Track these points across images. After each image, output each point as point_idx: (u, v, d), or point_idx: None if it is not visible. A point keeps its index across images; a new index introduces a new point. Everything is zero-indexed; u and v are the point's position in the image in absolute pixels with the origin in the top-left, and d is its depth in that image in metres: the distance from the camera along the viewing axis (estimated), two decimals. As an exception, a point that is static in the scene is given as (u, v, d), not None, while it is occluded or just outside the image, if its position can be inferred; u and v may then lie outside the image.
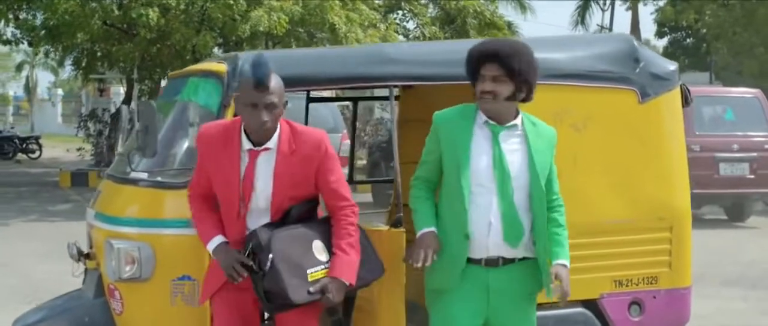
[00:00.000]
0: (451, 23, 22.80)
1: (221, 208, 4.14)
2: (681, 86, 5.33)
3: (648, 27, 63.16)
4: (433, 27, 21.91)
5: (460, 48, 4.47)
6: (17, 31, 20.87)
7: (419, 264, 4.03)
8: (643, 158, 5.23)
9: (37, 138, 33.55)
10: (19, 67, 66.81)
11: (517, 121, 4.12)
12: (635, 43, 5.33)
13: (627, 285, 5.23)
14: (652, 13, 38.02)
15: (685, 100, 5.49)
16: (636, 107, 5.09)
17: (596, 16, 54.67)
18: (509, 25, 34.21)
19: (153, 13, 15.78)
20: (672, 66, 5.36)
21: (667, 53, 42.41)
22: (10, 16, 19.16)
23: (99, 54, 21.51)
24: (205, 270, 4.34)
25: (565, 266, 4.10)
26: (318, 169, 4.10)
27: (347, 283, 4.08)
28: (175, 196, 4.66)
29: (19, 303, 8.92)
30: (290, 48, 18.57)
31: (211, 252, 4.11)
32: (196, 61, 19.55)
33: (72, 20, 16.85)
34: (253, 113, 3.94)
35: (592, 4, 45.69)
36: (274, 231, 4.03)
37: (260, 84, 3.92)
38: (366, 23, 18.27)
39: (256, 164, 4.03)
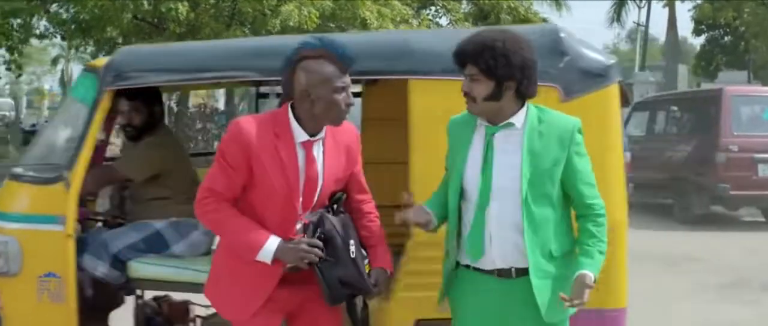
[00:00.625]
0: (485, 19, 22.56)
1: (268, 208, 3.78)
2: (619, 84, 4.72)
3: (685, 24, 62.40)
4: (467, 23, 21.67)
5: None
6: (49, 26, 20.83)
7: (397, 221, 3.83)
8: None
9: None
10: (54, 61, 67.14)
11: (516, 118, 3.73)
12: (562, 34, 4.68)
13: None
14: (689, 11, 37.58)
15: (625, 100, 4.99)
16: (557, 106, 4.38)
17: (632, 14, 54.30)
18: (545, 22, 34.02)
19: (182, 8, 15.66)
20: (608, 61, 4.73)
21: (705, 51, 41.99)
22: (42, 10, 19.13)
23: (131, 48, 21.43)
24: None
25: (585, 277, 3.62)
26: (354, 160, 3.98)
27: (389, 274, 4.02)
28: (42, 192, 4.68)
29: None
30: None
31: (275, 253, 3.73)
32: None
33: (102, 14, 16.77)
34: (339, 98, 3.70)
35: (629, 1, 45.33)
36: (341, 217, 3.89)
37: (350, 63, 3.74)
38: (398, 19, 18.06)
39: (314, 156, 3.78)
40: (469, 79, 3.69)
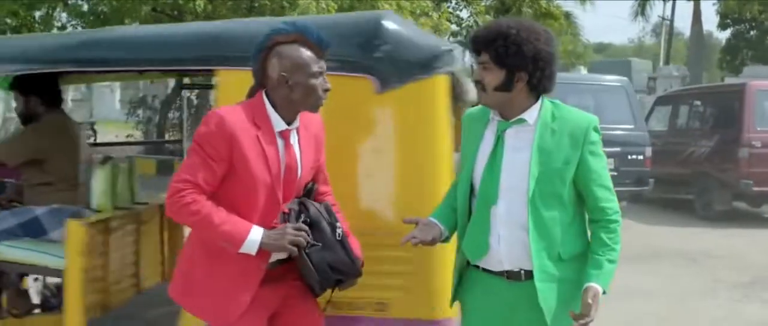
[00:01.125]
0: (506, 12, 22.40)
1: (249, 199, 3.61)
2: (451, 75, 4.34)
3: (711, 19, 61.88)
4: (487, 16, 21.51)
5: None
6: (69, 18, 20.86)
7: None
8: (381, 159, 4.31)
9: (91, 124, 33.67)
10: (78, 53, 67.42)
11: (529, 114, 3.57)
12: (383, 22, 4.31)
13: (346, 309, 4.26)
14: (714, 4, 37.21)
15: (456, 93, 4.48)
16: (371, 98, 4.17)
17: (657, 8, 53.93)
18: (567, 15, 33.82)
19: (200, 0, 15.59)
20: (437, 49, 4.32)
21: (730, 45, 41.64)
22: (62, 2, 19.15)
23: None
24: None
25: (589, 291, 3.44)
26: (321, 151, 3.88)
27: (361, 262, 3.87)
28: None
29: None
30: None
31: (260, 242, 3.55)
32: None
33: (119, 6, 16.73)
34: (317, 83, 3.61)
35: (653, -6, 45.07)
36: (323, 203, 3.84)
37: (327, 47, 3.65)
38: (418, 12, 17.92)
39: (291, 145, 3.67)
40: (481, 66, 3.54)
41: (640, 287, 9.64)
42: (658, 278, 10.33)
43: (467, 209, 3.71)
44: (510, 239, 3.57)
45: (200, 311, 3.76)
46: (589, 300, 3.41)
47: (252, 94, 3.73)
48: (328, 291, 3.82)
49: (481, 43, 3.53)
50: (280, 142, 3.65)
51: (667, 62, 48.29)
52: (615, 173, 13.92)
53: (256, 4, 16.12)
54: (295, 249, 3.59)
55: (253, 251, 3.55)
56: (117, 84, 60.81)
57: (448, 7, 21.31)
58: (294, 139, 3.70)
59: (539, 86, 3.55)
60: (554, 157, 3.53)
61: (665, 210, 16.58)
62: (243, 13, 16.30)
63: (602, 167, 3.63)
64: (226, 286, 3.66)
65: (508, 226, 3.57)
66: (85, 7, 18.97)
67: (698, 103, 16.94)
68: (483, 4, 22.24)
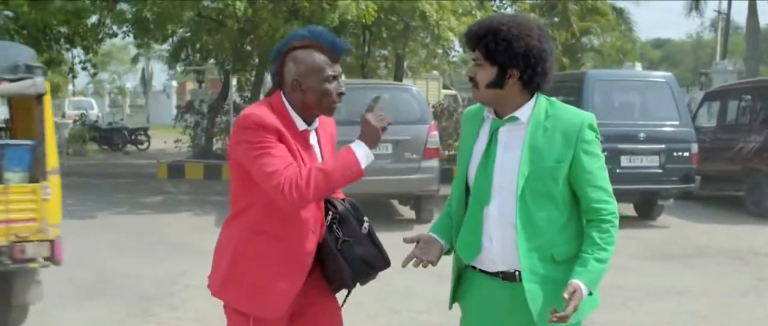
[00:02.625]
0: (552, 9, 22.18)
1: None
2: None
3: (769, 12, 60.84)
4: (533, 13, 21.29)
5: None
6: (114, 25, 21.07)
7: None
8: None
9: (145, 129, 34.09)
10: (134, 60, 68.12)
11: (522, 112, 3.50)
12: None
13: None
14: (770, -4, 36.50)
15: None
16: None
17: (713, 2, 53.03)
18: (620, 11, 33.44)
19: (240, 3, 15.58)
20: None
21: (787, 40, 40.85)
22: (106, 10, 19.33)
23: (198, 46, 21.53)
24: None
25: (570, 287, 3.33)
26: (334, 150, 3.94)
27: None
28: None
29: (83, 300, 8.82)
30: (381, 36, 18.30)
31: (366, 148, 3.60)
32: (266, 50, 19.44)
33: (162, 12, 16.82)
34: (330, 87, 3.67)
35: (708, -12, 44.48)
36: (343, 200, 3.95)
37: (341, 52, 3.71)
38: (460, 11, 17.77)
39: (311, 145, 3.77)
40: (474, 63, 3.52)
41: (683, 285, 9.48)
42: (702, 276, 10.13)
43: (464, 209, 3.65)
44: (502, 239, 3.50)
45: (245, 303, 3.79)
46: (566, 295, 3.31)
47: (270, 94, 3.80)
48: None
49: (473, 39, 3.49)
50: (302, 141, 3.72)
51: (723, 57, 47.62)
52: (660, 171, 13.72)
53: (297, 7, 16.06)
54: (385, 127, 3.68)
55: (372, 157, 3.62)
56: (173, 89, 61.65)
57: (493, 5, 21.10)
58: (313, 139, 3.79)
59: (532, 83, 3.48)
60: (546, 155, 3.45)
61: (714, 207, 16.28)
62: (284, 16, 16.29)
63: (598, 167, 3.53)
64: (273, 279, 3.73)
65: (501, 226, 3.50)
66: (129, 15, 19.10)
67: (748, 97, 16.61)
68: (527, 2, 22.00)
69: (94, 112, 45.18)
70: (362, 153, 3.58)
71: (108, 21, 21.19)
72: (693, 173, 13.98)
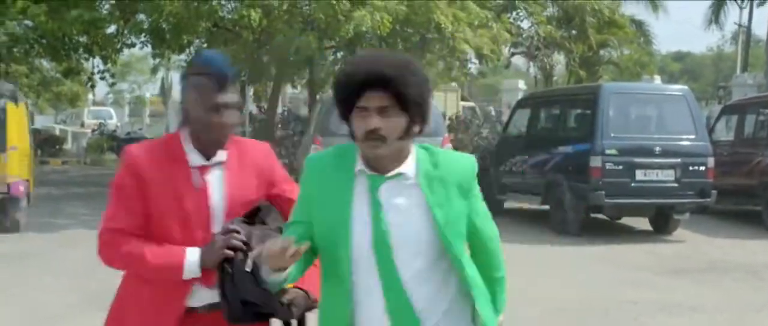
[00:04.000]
0: (569, 22, 22.10)
1: (167, 238, 3.37)
2: None
3: (790, 25, 60.62)
4: (549, 26, 21.20)
5: None
6: (130, 35, 21.12)
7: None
8: None
9: (161, 139, 34.10)
10: (153, 70, 68.34)
11: (407, 165, 2.95)
12: None
13: None
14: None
15: None
16: None
17: (733, 14, 52.74)
18: (640, 24, 33.31)
19: (255, 14, 15.59)
20: None
21: (808, 53, 40.56)
22: (121, 20, 19.40)
23: (211, 56, 21.50)
24: None
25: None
26: (270, 181, 3.56)
27: (313, 299, 3.41)
28: None
29: (94, 310, 8.79)
30: (397, 48, 18.24)
31: (198, 262, 3.30)
32: (300, 63, 19.46)
33: (177, 22, 16.85)
34: (213, 117, 3.30)
35: (728, 1, 44.23)
36: (259, 229, 3.43)
37: (227, 79, 3.31)
38: (476, 22, 17.71)
39: (208, 181, 3.39)
40: (376, 110, 2.84)
41: (697, 301, 9.38)
42: (716, 292, 10.03)
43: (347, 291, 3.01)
44: (433, 312, 3.01)
45: None
46: None
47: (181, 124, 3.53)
48: None
49: (379, 81, 2.83)
50: (197, 177, 3.40)
51: (744, 70, 47.35)
52: (676, 185, 13.62)
53: (312, 18, 16.06)
54: (231, 252, 3.31)
55: (198, 272, 3.33)
56: (192, 100, 61.94)
57: (509, 17, 21.04)
58: (215, 174, 3.43)
59: (423, 129, 2.99)
60: (451, 209, 2.96)
61: (731, 222, 16.15)
62: (299, 26, 16.29)
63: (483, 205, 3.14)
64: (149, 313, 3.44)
65: (388, 308, 2.98)
66: (146, 25, 19.11)
67: (766, 111, 16.50)
68: (545, 15, 21.94)
69: (113, 122, 45.33)
70: (192, 265, 3.30)
71: (126, 31, 21.24)
72: (709, 187, 13.88)
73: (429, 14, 16.32)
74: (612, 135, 13.60)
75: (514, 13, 21.77)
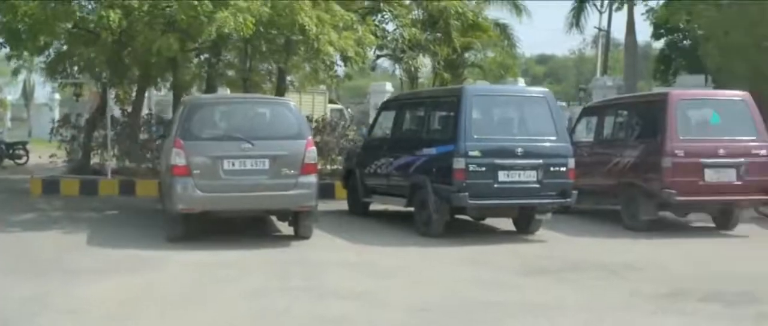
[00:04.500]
0: (434, 25, 22.19)
1: None
2: None
3: (648, 29, 62.37)
4: (414, 28, 21.23)
5: None
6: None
7: None
8: None
9: (24, 144, 32.97)
10: (15, 72, 66.17)
11: None
12: None
13: None
14: (642, 14, 37.30)
15: None
16: None
17: (592, 18, 54.06)
18: (504, 27, 33.73)
19: (114, 15, 15.18)
20: None
21: (664, 55, 41.85)
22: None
23: (74, 58, 20.85)
24: None
25: None
26: None
27: None
28: None
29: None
30: (261, 50, 18.05)
31: None
32: (162, 65, 19.05)
33: (33, 22, 16.28)
34: None
35: (588, 6, 45.28)
36: None
37: None
38: (341, 25, 17.61)
39: None
40: None
41: (560, 301, 9.47)
42: (578, 291, 10.14)
43: None
44: None
45: None
46: None
47: None
48: None
49: None
50: None
51: (604, 72, 48.58)
52: (538, 185, 13.80)
53: (173, 20, 15.69)
54: None
55: None
56: (56, 102, 60.16)
57: (374, 20, 20.99)
58: None
59: None
60: None
61: (591, 221, 16.48)
62: (160, 28, 15.91)
63: None
64: None
65: None
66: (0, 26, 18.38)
67: (623, 112, 16.88)
68: (410, 17, 21.96)
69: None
70: None
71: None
72: (570, 188, 14.11)
73: (293, 16, 16.14)
74: (475, 136, 13.70)
75: (380, 16, 21.75)
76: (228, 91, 24.05)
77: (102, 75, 20.28)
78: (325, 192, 19.71)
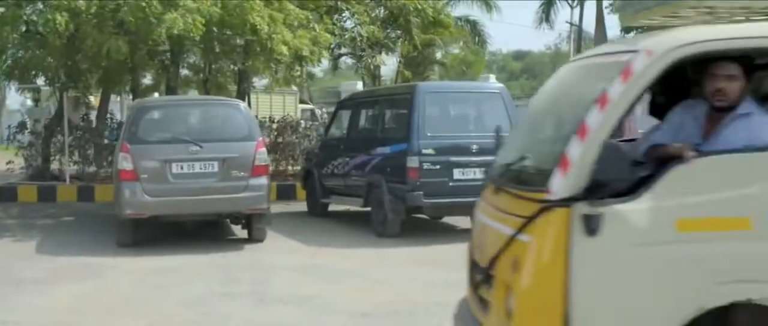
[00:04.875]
0: (395, 21, 21.96)
1: None
2: None
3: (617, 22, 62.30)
4: (372, 26, 20.98)
5: None
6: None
7: None
8: None
9: (-16, 150, 32.59)
10: (-18, 79, 65.59)
11: None
12: None
13: None
14: (606, 7, 37.16)
15: None
16: None
17: (563, 13, 54.01)
18: (474, 24, 33.55)
19: (61, 18, 14.89)
20: None
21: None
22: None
23: (28, 63, 20.47)
24: None
25: None
26: None
27: None
28: None
29: None
30: (215, 52, 17.76)
31: None
32: (119, 68, 18.76)
33: (-23, 27, 15.94)
34: None
35: (558, 1, 45.12)
36: None
37: None
38: (296, 24, 17.35)
39: None
40: None
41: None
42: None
43: None
44: None
45: None
46: None
47: None
48: None
49: None
50: None
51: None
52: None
53: (123, 21, 15.39)
54: None
55: None
56: (27, 109, 59.68)
57: (333, 18, 20.66)
58: None
59: None
60: None
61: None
62: (109, 30, 15.63)
63: None
64: None
65: None
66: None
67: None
68: (372, 15, 21.65)
69: None
70: None
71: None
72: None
73: (244, 16, 15.88)
74: (428, 134, 13.50)
75: (338, 15, 21.46)
76: (196, 94, 23.76)
77: (55, 79, 19.93)
78: (288, 193, 19.55)
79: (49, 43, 16.58)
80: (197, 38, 15.72)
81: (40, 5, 16.76)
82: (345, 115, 16.64)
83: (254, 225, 13.37)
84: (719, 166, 4.52)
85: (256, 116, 16.99)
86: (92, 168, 21.04)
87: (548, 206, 4.47)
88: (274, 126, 22.08)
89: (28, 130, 22.29)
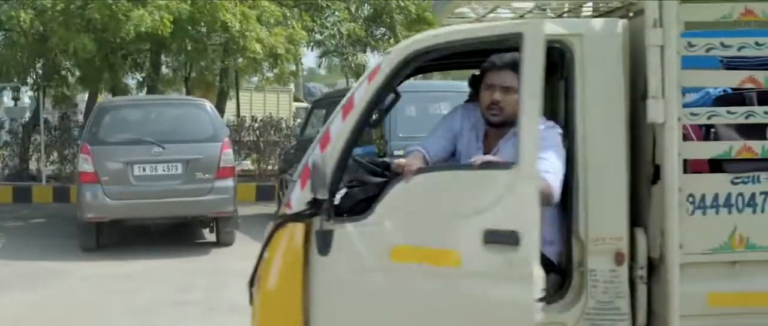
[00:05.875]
0: (378, 18, 21.51)
1: None
2: None
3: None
4: (352, 24, 20.53)
5: None
6: None
7: None
8: None
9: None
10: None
11: None
12: None
13: None
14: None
15: None
16: None
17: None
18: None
19: (25, 15, 14.52)
20: None
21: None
22: None
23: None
24: None
25: None
26: None
27: None
28: None
29: None
30: (183, 48, 17.28)
31: None
32: (86, 66, 18.31)
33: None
34: None
35: None
36: None
37: None
38: (271, 21, 16.90)
39: None
40: None
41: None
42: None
43: None
44: None
45: None
46: None
47: None
48: None
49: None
50: None
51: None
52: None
53: (90, 18, 14.99)
54: None
55: None
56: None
57: (314, 16, 20.18)
58: None
59: None
60: None
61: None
62: (76, 28, 15.21)
63: None
64: None
65: None
66: None
67: None
68: (350, 11, 21.17)
69: None
70: None
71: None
72: None
73: (214, 13, 15.45)
74: (400, 135, 13.11)
75: (318, 12, 20.96)
76: (184, 92, 23.32)
77: (28, 77, 19.57)
78: (268, 194, 19.12)
79: (15, 41, 16.22)
80: (166, 36, 15.28)
81: (4, 5, 16.34)
82: (319, 115, 16.22)
83: (222, 228, 13.01)
84: (437, 185, 4.07)
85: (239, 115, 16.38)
86: (70, 169, 20.66)
87: (283, 221, 4.17)
88: (256, 125, 21.66)
89: (6, 129, 21.94)
